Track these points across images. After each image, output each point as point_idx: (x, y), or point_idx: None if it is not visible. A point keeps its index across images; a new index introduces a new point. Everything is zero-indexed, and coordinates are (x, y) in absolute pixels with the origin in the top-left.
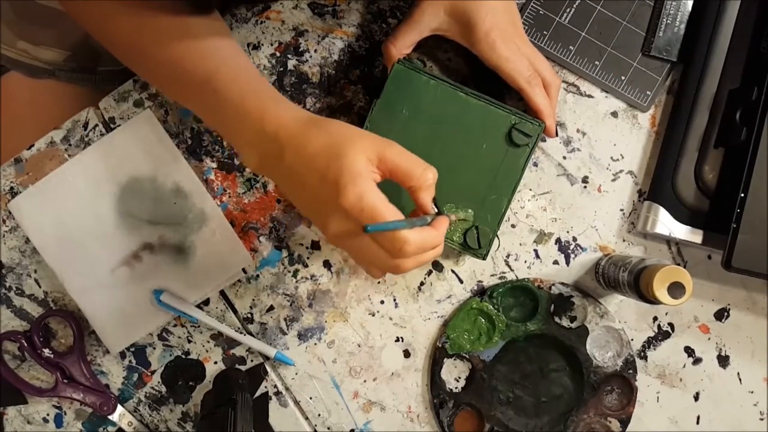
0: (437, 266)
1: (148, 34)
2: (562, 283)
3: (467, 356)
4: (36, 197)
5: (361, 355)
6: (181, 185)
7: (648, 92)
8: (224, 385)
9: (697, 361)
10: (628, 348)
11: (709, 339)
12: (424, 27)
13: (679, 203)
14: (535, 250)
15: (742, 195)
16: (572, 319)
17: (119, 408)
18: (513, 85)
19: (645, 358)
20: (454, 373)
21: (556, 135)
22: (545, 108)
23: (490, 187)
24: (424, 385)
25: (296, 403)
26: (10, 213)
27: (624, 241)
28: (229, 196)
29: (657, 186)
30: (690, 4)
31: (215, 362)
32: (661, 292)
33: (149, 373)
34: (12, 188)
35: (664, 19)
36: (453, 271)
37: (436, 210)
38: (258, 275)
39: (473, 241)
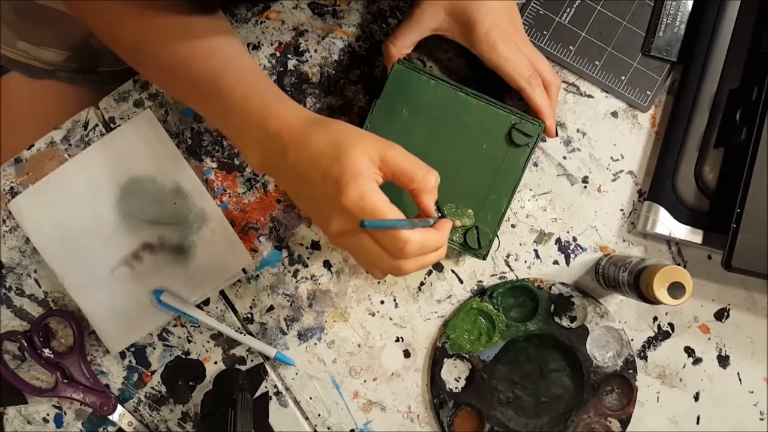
0: (437, 266)
1: (153, 33)
2: (562, 283)
3: (467, 356)
4: (36, 197)
5: (361, 355)
6: (182, 185)
7: (648, 92)
8: (224, 385)
9: (697, 361)
10: (628, 348)
11: (709, 339)
12: (425, 27)
13: (679, 203)
14: (535, 250)
15: (742, 195)
16: (572, 319)
17: (119, 408)
18: (513, 85)
19: (645, 358)
20: (454, 373)
21: (556, 135)
22: (545, 108)
23: (490, 187)
24: (424, 385)
25: (296, 403)
26: (10, 213)
27: (624, 241)
28: (229, 196)
29: (657, 186)
30: (690, 4)
31: (215, 362)
32: (661, 292)
33: (149, 373)
34: (12, 188)
35: (664, 19)
36: (453, 271)
37: (439, 213)
38: (258, 275)
39: (473, 241)
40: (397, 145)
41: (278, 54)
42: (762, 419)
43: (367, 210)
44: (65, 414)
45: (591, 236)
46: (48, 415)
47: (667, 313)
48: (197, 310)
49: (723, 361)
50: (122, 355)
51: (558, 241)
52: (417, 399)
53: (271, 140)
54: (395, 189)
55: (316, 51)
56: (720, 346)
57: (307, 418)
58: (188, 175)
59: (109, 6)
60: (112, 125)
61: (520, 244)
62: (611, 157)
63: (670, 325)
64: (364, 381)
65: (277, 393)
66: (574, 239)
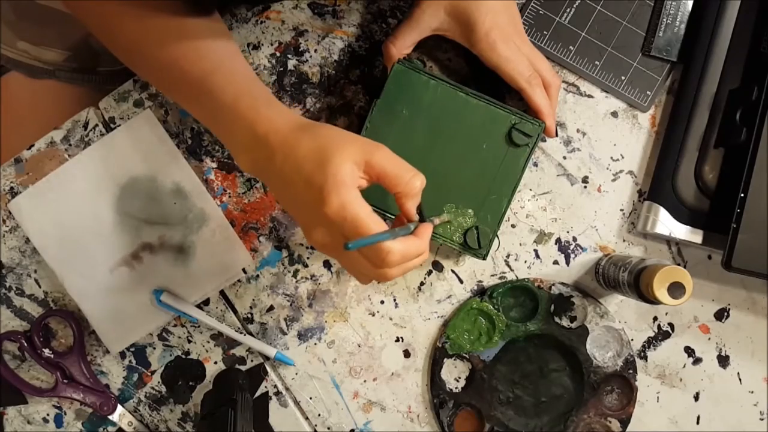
0: (437, 266)
1: (148, 34)
2: (562, 283)
3: (467, 356)
4: (36, 197)
5: (361, 355)
6: (181, 185)
7: (648, 92)
8: (224, 385)
9: (697, 361)
10: (628, 348)
11: (709, 339)
12: (425, 27)
13: (679, 203)
14: (535, 250)
15: (742, 195)
16: (572, 319)
17: (119, 408)
18: (513, 85)
19: (645, 358)
20: (454, 373)
21: (556, 135)
22: (545, 108)
23: (490, 187)
24: (424, 385)
25: (296, 403)
26: (10, 213)
27: (624, 241)
28: (229, 196)
29: (657, 186)
30: (690, 4)
31: (215, 362)
32: (661, 292)
33: (149, 373)
34: (12, 188)
35: (664, 19)
36: (453, 271)
37: (418, 217)
38: (258, 275)
39: (473, 241)
40: (384, 146)
41: (278, 54)
42: (762, 419)
43: (347, 220)
44: (65, 414)
45: (591, 236)
46: (48, 415)
47: (667, 313)
48: (197, 310)
49: (723, 361)
50: (122, 355)
51: (558, 241)
52: (417, 399)
53: (259, 144)
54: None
55: (316, 51)
56: (720, 346)
57: (307, 418)
58: (188, 175)
59: (107, 6)
60: (112, 125)
61: (520, 244)
62: (611, 157)
63: (670, 325)
64: (364, 381)
65: (277, 393)
66: (574, 239)
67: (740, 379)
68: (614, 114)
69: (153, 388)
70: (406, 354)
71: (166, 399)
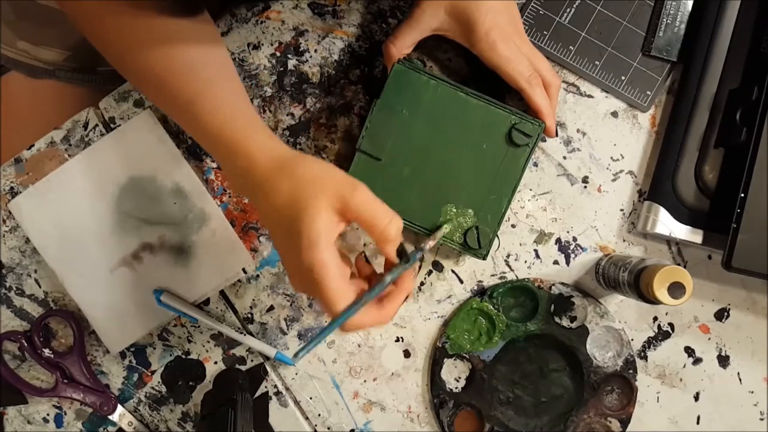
0: (437, 266)
1: (135, 40)
2: (562, 283)
3: (467, 356)
4: (36, 197)
5: (361, 355)
6: (181, 185)
7: (648, 92)
8: (224, 385)
9: (697, 361)
10: (629, 348)
11: (709, 339)
12: (425, 27)
13: (679, 203)
14: (535, 250)
15: (742, 195)
16: (572, 319)
17: (119, 408)
18: (513, 85)
19: (645, 358)
20: (454, 373)
21: (556, 135)
22: (545, 108)
23: (490, 187)
24: (424, 385)
25: (296, 403)
26: (10, 213)
27: (624, 241)
28: (230, 196)
29: (657, 186)
30: (690, 4)
31: (215, 362)
32: (661, 292)
33: (149, 373)
34: (12, 188)
35: (664, 19)
36: (453, 271)
37: (398, 260)
38: (258, 275)
39: (473, 241)
40: (364, 187)
41: (278, 54)
42: (762, 419)
43: (314, 284)
44: (65, 414)
45: (591, 236)
46: (48, 415)
47: (667, 313)
48: (197, 310)
49: (723, 361)
50: (122, 355)
51: (558, 241)
52: (417, 399)
53: (240, 177)
54: (375, 176)
55: (316, 51)
56: (720, 346)
57: (307, 418)
58: (188, 175)
59: (92, 5)
60: (112, 125)
61: (520, 244)
62: (611, 157)
63: (670, 325)
64: (364, 381)
65: (277, 393)
66: (574, 239)
67: (740, 379)
68: (614, 114)
69: (153, 388)
70: (406, 354)
71: (166, 399)
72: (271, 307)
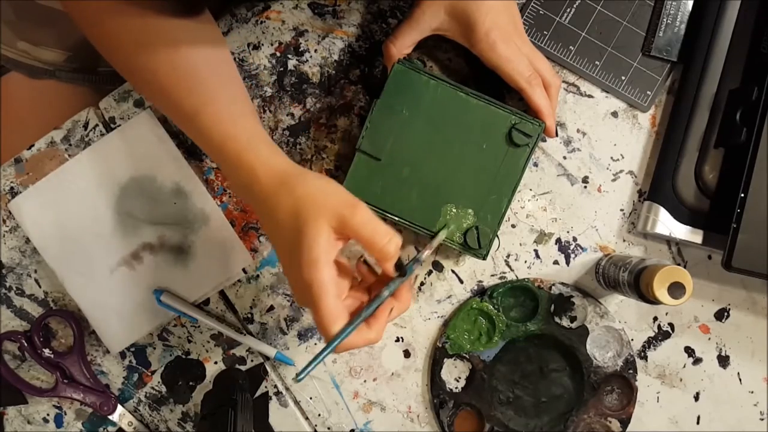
0: (437, 266)
1: (139, 37)
2: (563, 283)
3: (467, 356)
4: (36, 197)
5: (361, 355)
6: (182, 185)
7: (648, 92)
8: (224, 385)
9: (697, 361)
10: (629, 348)
11: (709, 339)
12: (425, 27)
13: (679, 203)
14: (536, 250)
15: (742, 195)
16: (572, 319)
17: (119, 408)
18: (513, 85)
19: (645, 358)
20: (454, 373)
21: (556, 135)
22: (545, 108)
23: (490, 187)
24: (424, 385)
25: (296, 403)
26: (10, 213)
27: (624, 241)
28: (230, 196)
29: (657, 186)
30: (690, 4)
31: (215, 362)
32: (661, 292)
33: (149, 373)
34: (12, 188)
35: (665, 19)
36: (453, 271)
37: (397, 273)
38: (258, 275)
39: (473, 241)
40: (363, 206)
41: (278, 54)
42: (762, 419)
43: (311, 302)
44: (65, 414)
45: (591, 236)
46: (48, 415)
47: (667, 313)
48: (197, 310)
49: (723, 361)
50: (122, 355)
51: (558, 241)
52: (417, 399)
53: (243, 189)
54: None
55: (316, 51)
56: (720, 346)
57: (307, 418)
58: (188, 175)
59: (96, 6)
60: (112, 125)
61: (521, 244)
62: (611, 157)
63: (670, 325)
64: (364, 381)
65: (277, 393)
66: (574, 239)
67: (740, 379)
68: (614, 114)
69: (153, 388)
70: (406, 354)
71: (166, 399)
72: (271, 307)
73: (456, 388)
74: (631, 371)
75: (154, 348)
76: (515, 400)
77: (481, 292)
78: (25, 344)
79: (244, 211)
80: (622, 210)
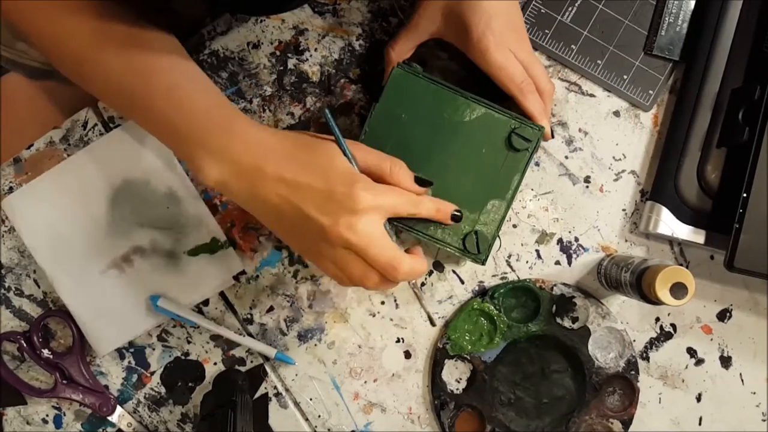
0: (438, 266)
1: (104, 37)
2: (564, 284)
3: (468, 357)
4: (29, 196)
5: (361, 356)
6: (175, 190)
7: (650, 91)
8: (224, 386)
9: (699, 362)
10: (630, 349)
11: (711, 340)
12: (423, 31)
13: (681, 203)
14: (537, 251)
15: (745, 195)
16: (574, 320)
17: (118, 409)
18: (506, 91)
19: (647, 359)
20: (455, 374)
21: (553, 137)
22: (539, 114)
23: (490, 191)
24: (424, 387)
25: (296, 404)
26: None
27: (626, 241)
28: None
29: (659, 186)
30: (692, 2)
31: (215, 363)
32: (663, 292)
33: (149, 374)
34: (11, 188)
35: (667, 18)
36: (454, 272)
37: (419, 185)
38: (258, 276)
39: (472, 246)
40: (357, 143)
41: (278, 53)
42: (764, 420)
43: (361, 258)
44: (64, 415)
45: (593, 236)
46: (47, 415)
47: (669, 314)
48: (195, 315)
49: (725, 362)
50: (121, 355)
51: (560, 241)
52: (418, 400)
53: (230, 157)
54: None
55: (316, 50)
56: (722, 347)
57: (307, 420)
58: (181, 180)
59: (49, 5)
60: (111, 125)
61: (522, 245)
62: (613, 157)
63: (673, 325)
64: (365, 382)
65: (277, 394)
66: (576, 239)
67: (742, 380)
68: (616, 113)
69: (152, 389)
70: (407, 355)
71: (166, 400)
72: (271, 308)
73: (457, 389)
74: (633, 372)
75: (154, 349)
76: (516, 401)
77: (482, 292)
78: (24, 345)
79: (244, 211)
80: (624, 210)
